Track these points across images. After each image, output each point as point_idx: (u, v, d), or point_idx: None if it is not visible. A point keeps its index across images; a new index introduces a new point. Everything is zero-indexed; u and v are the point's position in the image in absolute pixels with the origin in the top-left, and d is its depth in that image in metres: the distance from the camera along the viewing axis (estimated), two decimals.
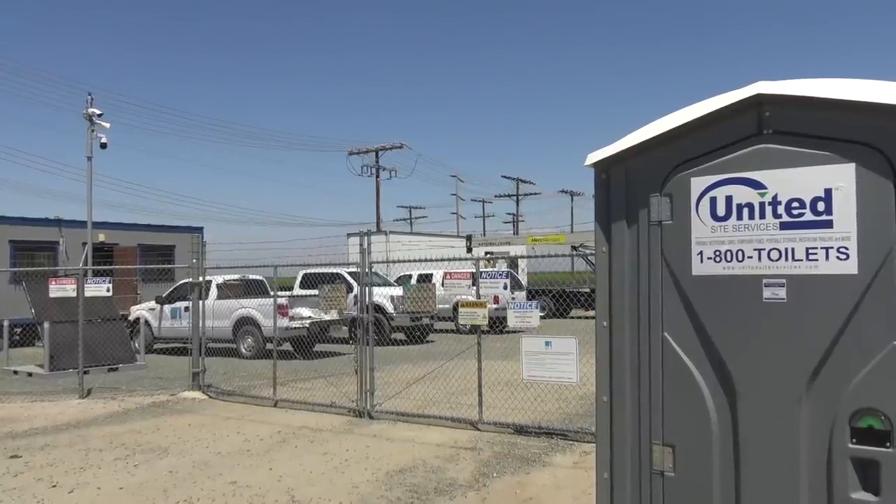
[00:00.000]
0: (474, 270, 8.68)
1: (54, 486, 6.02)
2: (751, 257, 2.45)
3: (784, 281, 2.38)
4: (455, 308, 18.92)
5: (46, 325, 12.75)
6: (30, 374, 12.86)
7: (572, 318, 22.09)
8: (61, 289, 11.52)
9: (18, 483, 6.15)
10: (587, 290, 23.97)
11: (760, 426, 2.40)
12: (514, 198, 66.24)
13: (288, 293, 16.58)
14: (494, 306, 9.89)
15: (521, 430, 7.58)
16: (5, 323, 15.40)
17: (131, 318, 17.01)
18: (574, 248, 21.38)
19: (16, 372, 13.15)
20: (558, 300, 23.01)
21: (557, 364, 7.29)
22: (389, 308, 16.96)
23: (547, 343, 7.37)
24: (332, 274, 17.18)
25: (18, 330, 16.32)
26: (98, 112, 21.51)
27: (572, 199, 74.89)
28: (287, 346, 14.14)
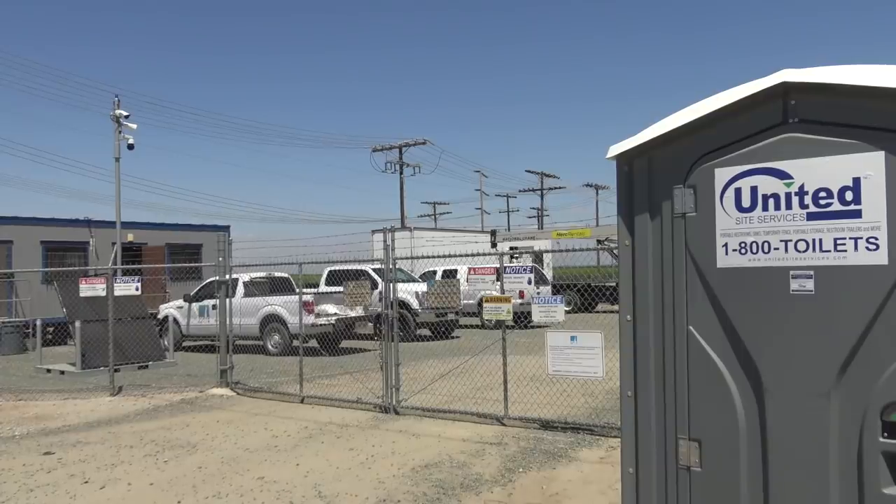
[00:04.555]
0: (499, 266, 8.65)
1: (86, 482, 6.12)
2: (777, 249, 2.40)
3: (812, 273, 2.33)
4: (480, 303, 18.97)
5: (78, 323, 12.97)
6: (62, 373, 13.09)
7: (598, 312, 21.97)
8: (92, 288, 11.71)
9: (52, 479, 6.26)
10: (613, 284, 23.82)
11: (788, 421, 2.36)
12: (539, 192, 65.98)
13: (313, 290, 16.69)
14: (519, 301, 9.86)
15: (547, 425, 7.55)
16: (38, 322, 15.70)
17: (160, 316, 17.23)
18: (599, 241, 21.19)
19: (49, 370, 13.39)
20: (584, 294, 22.88)
21: (583, 359, 7.25)
22: (414, 304, 16.98)
23: (572, 338, 7.33)
24: (357, 271, 17.23)
25: (51, 329, 16.64)
26: (125, 114, 21.81)
27: (597, 193, 74.41)
28: (313, 343, 14.23)
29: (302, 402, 9.52)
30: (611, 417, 7.47)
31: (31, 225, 20.50)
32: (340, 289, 14.51)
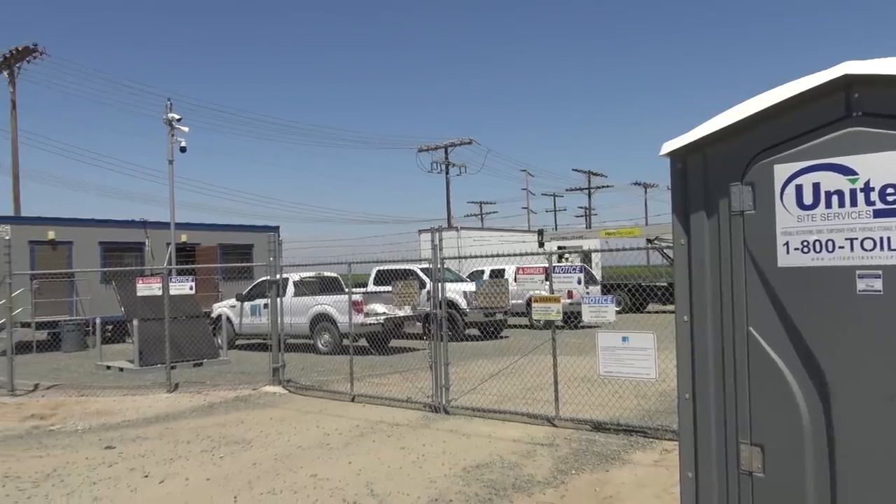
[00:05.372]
0: (547, 265, 8.60)
1: (146, 476, 6.30)
2: (842, 247, 2.33)
3: (880, 272, 2.26)
4: (528, 303, 18.89)
5: (135, 322, 13.35)
6: (121, 369, 13.51)
7: (649, 312, 21.64)
8: (148, 288, 12.05)
9: (113, 473, 6.46)
10: (664, 283, 23.43)
11: (856, 425, 2.29)
12: (586, 191, 65.35)
13: (362, 290, 16.84)
14: (568, 301, 9.76)
15: (599, 427, 7.47)
16: (97, 320, 16.22)
17: (213, 315, 17.62)
18: (649, 241, 20.90)
19: (108, 367, 13.82)
20: (634, 294, 22.57)
21: (635, 360, 7.15)
22: (462, 304, 17.01)
23: (624, 338, 7.24)
24: (405, 270, 17.32)
25: (110, 327, 17.14)
26: (177, 117, 22.30)
27: (646, 191, 73.36)
28: (363, 342, 14.36)
29: (353, 400, 9.62)
30: (665, 420, 7.35)
31: (90, 226, 21.17)
32: (388, 288, 14.62)
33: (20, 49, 30.89)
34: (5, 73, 31.51)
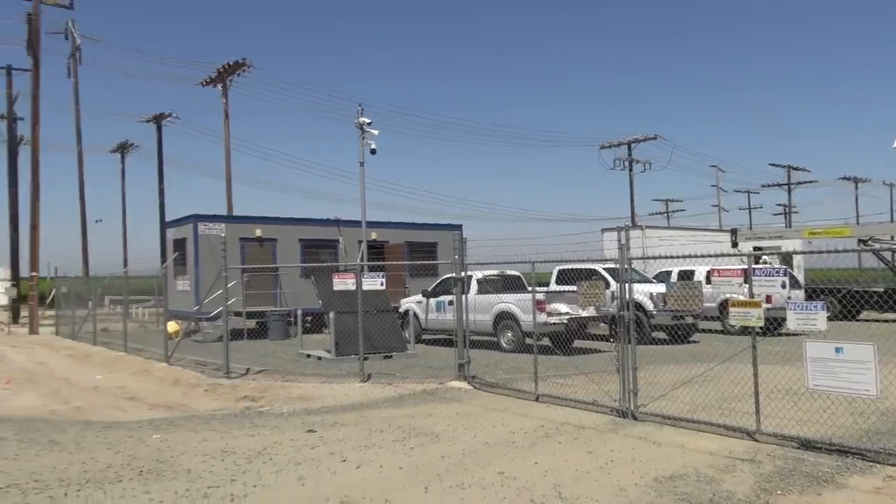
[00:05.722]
0: (746, 267, 8.01)
1: (344, 461, 6.66)
2: None
3: None
4: (721, 307, 17.82)
5: (332, 314, 14.25)
6: (319, 358, 14.47)
7: (863, 321, 19.59)
8: (343, 283, 12.79)
9: (315, 455, 6.90)
10: (879, 289, 21.08)
11: None
12: (786, 187, 60.55)
13: (545, 289, 16.75)
14: (768, 306, 9.04)
15: (806, 445, 6.83)
16: (299, 312, 17.51)
17: (401, 310, 18.36)
18: (862, 241, 18.85)
19: (308, 356, 14.88)
20: (845, 301, 20.53)
21: (851, 373, 6.48)
22: (649, 305, 16.38)
23: (838, 349, 6.58)
24: (588, 270, 17.00)
25: (309, 318, 18.42)
26: (367, 121, 23.51)
27: (856, 187, 66.77)
28: (545, 341, 14.28)
29: (537, 399, 9.57)
30: (888, 442, 6.57)
31: (291, 224, 22.95)
32: (572, 288, 14.39)
33: (231, 64, 34.17)
34: (219, 87, 35.02)
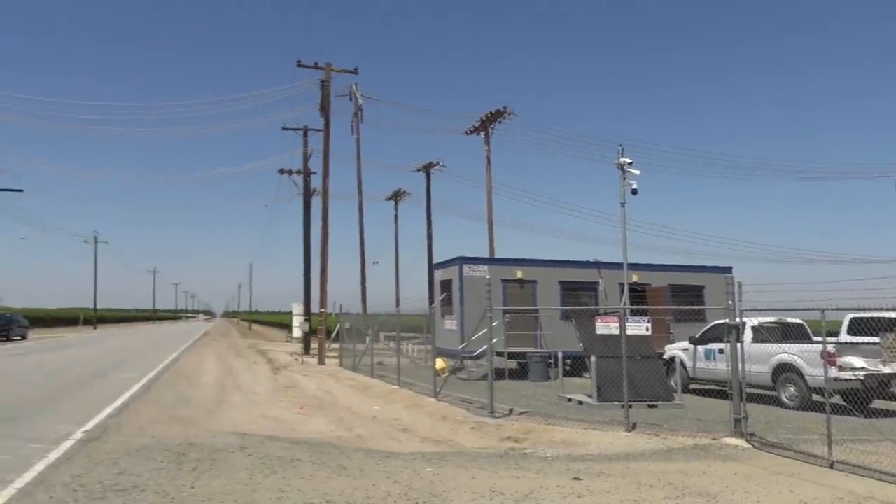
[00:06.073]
0: None
1: None
2: None
3: None
4: None
5: (593, 358, 13.97)
6: (580, 403, 14.21)
7: None
8: (606, 326, 12.52)
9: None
10: None
11: None
12: None
13: (834, 339, 14.89)
14: None
15: None
16: (559, 354, 17.44)
17: (666, 356, 17.46)
18: None
19: (569, 399, 14.69)
20: None
21: None
22: None
23: None
24: (891, 319, 14.78)
25: (569, 361, 18.29)
26: (628, 161, 23.06)
27: None
28: (836, 399, 12.61)
29: (831, 466, 8.41)
30: None
31: (551, 267, 23.13)
32: (871, 339, 12.57)
33: (493, 112, 35.79)
34: (482, 134, 36.81)
